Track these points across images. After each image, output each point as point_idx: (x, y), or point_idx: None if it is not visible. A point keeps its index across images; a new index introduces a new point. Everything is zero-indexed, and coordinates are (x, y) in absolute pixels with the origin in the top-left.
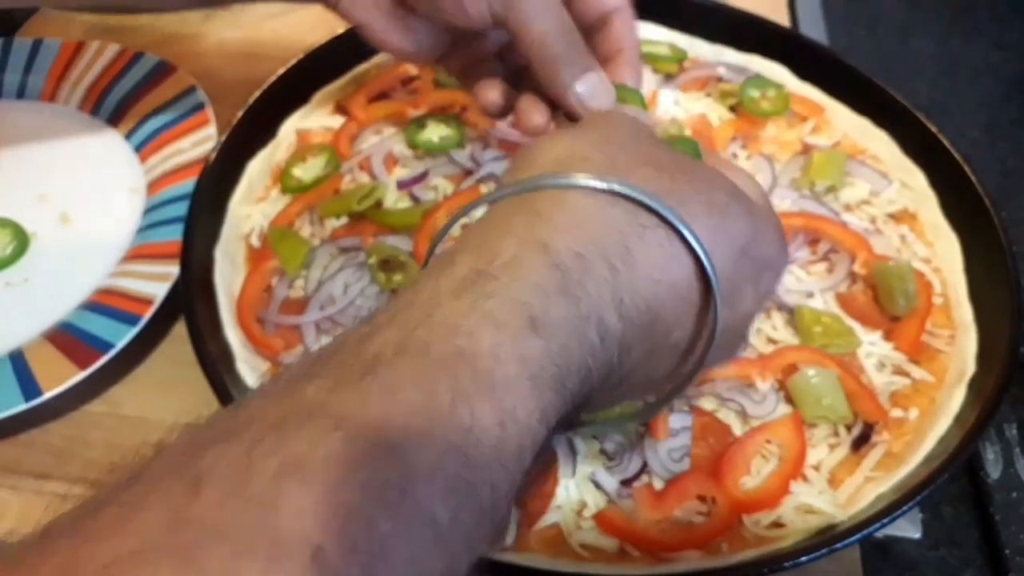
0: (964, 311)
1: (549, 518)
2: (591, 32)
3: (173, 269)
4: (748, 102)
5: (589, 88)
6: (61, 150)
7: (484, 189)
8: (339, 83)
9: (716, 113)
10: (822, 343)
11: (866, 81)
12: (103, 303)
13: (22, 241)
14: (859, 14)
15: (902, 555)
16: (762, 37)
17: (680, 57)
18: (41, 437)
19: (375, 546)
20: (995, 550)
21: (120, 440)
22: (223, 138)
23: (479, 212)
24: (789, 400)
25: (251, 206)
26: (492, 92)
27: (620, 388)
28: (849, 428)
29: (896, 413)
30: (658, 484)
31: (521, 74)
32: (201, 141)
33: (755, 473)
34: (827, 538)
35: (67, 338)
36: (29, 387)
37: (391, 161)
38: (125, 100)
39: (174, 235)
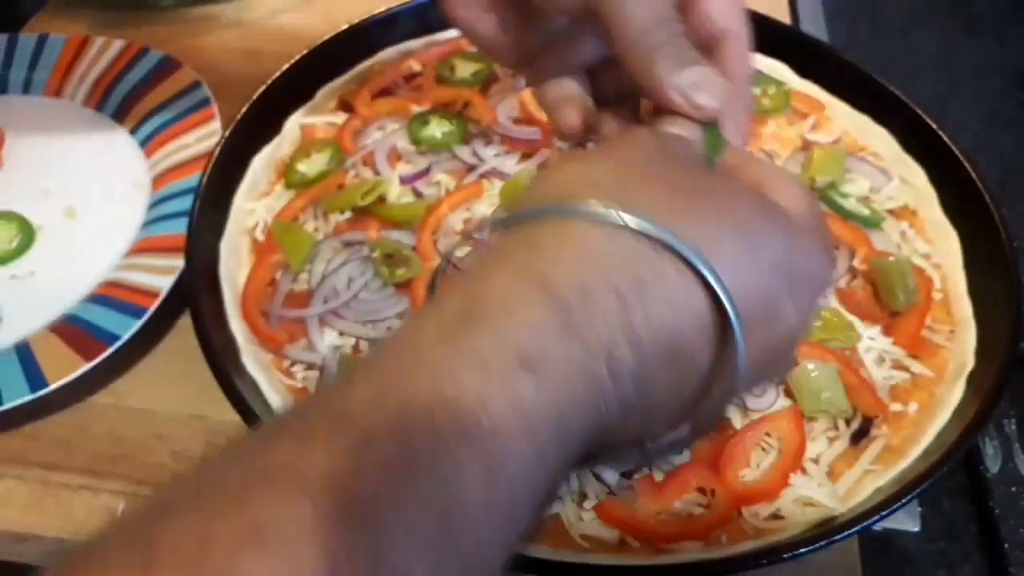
0: (964, 307)
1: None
2: None
3: (178, 262)
4: None
5: (695, 79)
6: (66, 145)
7: (486, 185)
8: (343, 79)
9: None
10: (822, 337)
11: (866, 78)
12: (109, 295)
13: (28, 234)
14: (859, 11)
15: (901, 548)
16: (762, 34)
17: None
18: (47, 428)
19: None
20: (994, 544)
21: (125, 431)
22: (227, 133)
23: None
24: (789, 394)
25: (255, 201)
26: (571, 114)
27: (652, 418)
28: (848, 422)
29: (895, 407)
30: (658, 476)
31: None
32: (206, 136)
33: (755, 465)
34: (826, 530)
35: (73, 330)
36: (35, 378)
37: (394, 157)
38: (130, 95)
39: (179, 229)
